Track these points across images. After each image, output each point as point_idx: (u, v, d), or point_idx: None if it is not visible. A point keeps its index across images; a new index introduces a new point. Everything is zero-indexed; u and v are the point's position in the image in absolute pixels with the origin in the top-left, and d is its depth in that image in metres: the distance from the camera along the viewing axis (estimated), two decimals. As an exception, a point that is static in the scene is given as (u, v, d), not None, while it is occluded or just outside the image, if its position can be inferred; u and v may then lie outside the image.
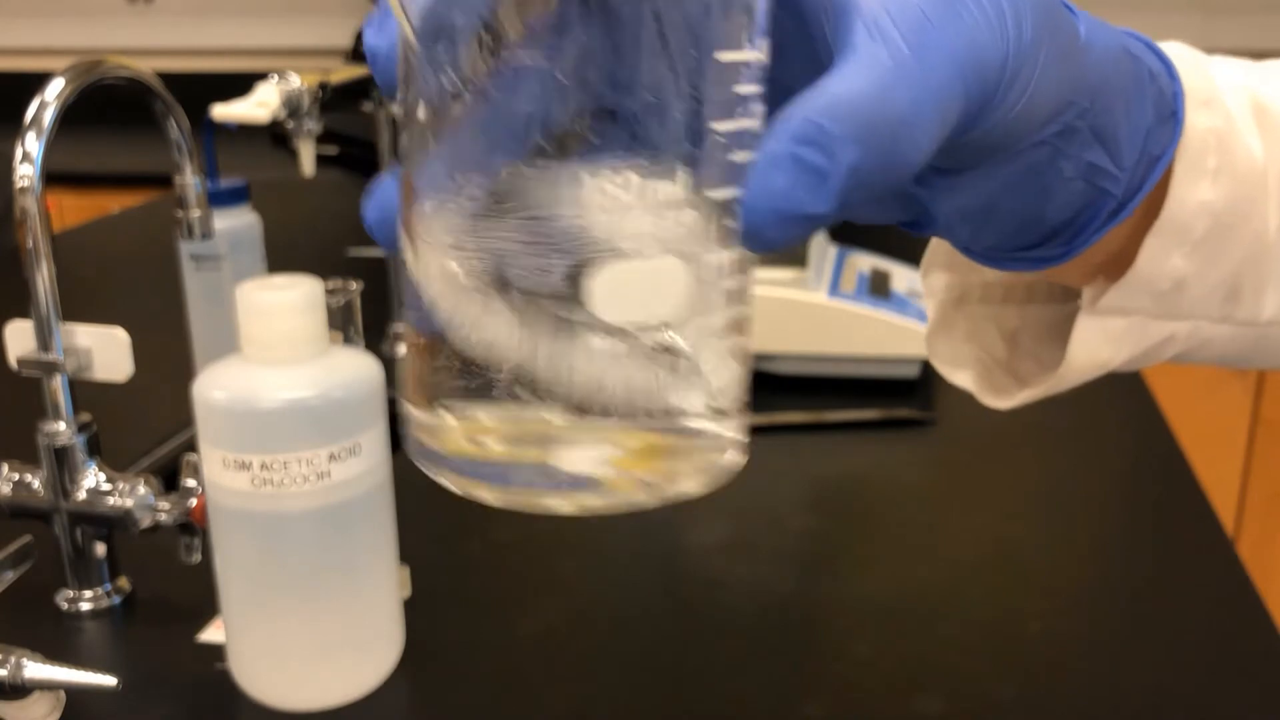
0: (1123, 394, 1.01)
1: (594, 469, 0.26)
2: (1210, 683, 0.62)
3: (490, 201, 0.25)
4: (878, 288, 1.01)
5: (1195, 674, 0.63)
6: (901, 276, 1.05)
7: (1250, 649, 0.65)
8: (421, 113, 0.26)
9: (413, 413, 0.28)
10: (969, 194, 0.31)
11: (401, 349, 0.28)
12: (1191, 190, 0.34)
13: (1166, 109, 0.33)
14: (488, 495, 0.26)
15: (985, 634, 0.66)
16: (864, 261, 1.08)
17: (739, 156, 0.25)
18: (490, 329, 0.25)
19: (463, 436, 0.27)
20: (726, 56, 0.25)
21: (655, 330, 0.25)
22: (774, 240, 0.25)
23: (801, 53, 0.28)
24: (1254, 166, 0.35)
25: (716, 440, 0.27)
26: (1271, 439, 1.94)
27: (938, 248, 0.44)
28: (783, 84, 0.27)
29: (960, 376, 0.44)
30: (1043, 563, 0.75)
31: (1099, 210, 0.33)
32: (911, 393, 0.98)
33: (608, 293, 0.25)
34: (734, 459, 0.28)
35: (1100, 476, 0.89)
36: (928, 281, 0.45)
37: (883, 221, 0.34)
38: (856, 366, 0.99)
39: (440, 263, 0.26)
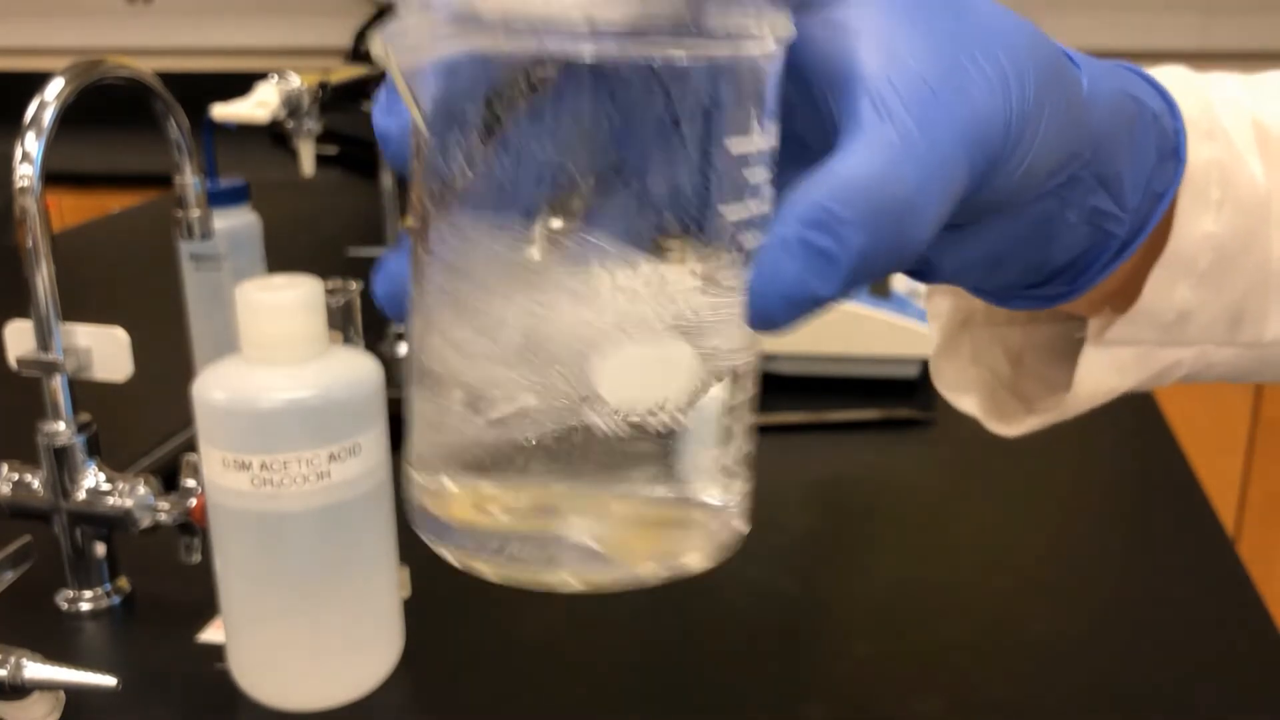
0: (1123, 395, 1.00)
1: (599, 545, 0.26)
2: (1210, 683, 0.62)
3: (498, 284, 0.25)
4: (878, 288, 1.01)
5: (1195, 674, 0.63)
6: (901, 277, 1.05)
7: (1251, 649, 0.65)
8: (430, 194, 0.26)
9: (416, 479, 0.28)
10: (973, 247, 0.31)
11: (407, 412, 0.28)
12: (1195, 223, 0.34)
13: (1168, 148, 0.33)
14: (488, 570, 0.27)
15: (985, 634, 0.66)
16: (864, 261, 1.08)
17: (749, 240, 0.26)
18: (498, 407, 0.25)
19: (466, 505, 0.27)
20: (736, 145, 0.25)
21: (662, 415, 0.25)
22: (780, 322, 0.25)
23: (807, 118, 0.28)
24: (1257, 194, 0.35)
25: (720, 514, 0.28)
26: (1272, 439, 1.94)
27: None
28: (789, 148, 0.27)
29: (966, 402, 0.44)
30: (1043, 563, 0.75)
31: (1103, 250, 0.33)
32: (911, 393, 0.98)
33: (615, 379, 0.25)
34: (738, 529, 0.28)
35: (1101, 476, 0.89)
36: (931, 305, 0.45)
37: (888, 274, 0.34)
38: (856, 366, 0.99)
39: (445, 340, 0.26)
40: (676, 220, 0.25)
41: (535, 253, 0.25)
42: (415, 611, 0.63)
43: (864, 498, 0.85)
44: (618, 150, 0.24)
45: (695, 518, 0.27)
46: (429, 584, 0.67)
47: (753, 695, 0.60)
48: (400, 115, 0.27)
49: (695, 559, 0.27)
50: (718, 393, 0.26)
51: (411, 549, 0.64)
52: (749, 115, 0.25)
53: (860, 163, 0.25)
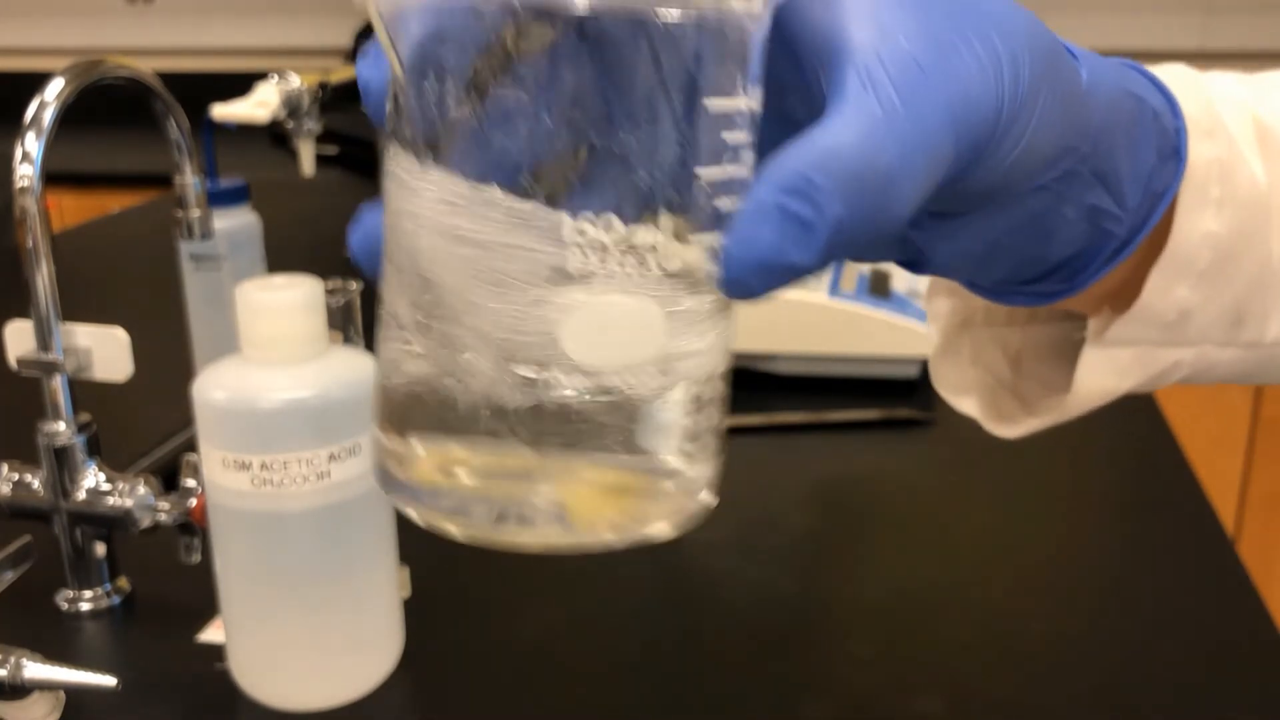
0: (1123, 395, 1.00)
1: (563, 507, 0.26)
2: (1211, 682, 0.62)
3: (471, 239, 0.25)
4: (878, 288, 1.01)
5: (1195, 674, 0.63)
6: (901, 276, 1.05)
7: (1250, 648, 0.65)
8: (404, 147, 0.25)
9: (382, 440, 0.27)
10: (966, 237, 0.31)
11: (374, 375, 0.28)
12: (1196, 222, 0.34)
13: (1169, 147, 0.33)
14: (453, 529, 0.26)
15: (985, 634, 0.66)
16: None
17: (725, 204, 0.25)
18: (465, 365, 0.25)
19: (433, 467, 0.26)
20: (717, 104, 0.25)
21: (631, 373, 0.25)
22: (755, 290, 0.25)
23: (796, 93, 0.28)
24: (1257, 193, 0.35)
25: (688, 482, 0.27)
26: (1272, 438, 1.94)
27: None
28: (778, 123, 0.27)
29: (965, 404, 0.44)
30: (1043, 563, 0.75)
31: (1102, 249, 0.33)
32: (911, 393, 0.98)
33: (584, 336, 0.24)
34: (705, 501, 0.28)
35: (1100, 476, 0.89)
36: (931, 307, 0.44)
37: (881, 261, 0.34)
38: (856, 366, 0.99)
39: (414, 297, 0.26)
40: (652, 179, 0.24)
41: (505, 210, 0.24)
42: (415, 611, 0.63)
43: (864, 498, 0.85)
44: (593, 101, 0.24)
45: (661, 487, 0.27)
46: (429, 584, 0.67)
47: (753, 695, 0.60)
48: (384, 67, 0.27)
49: (659, 528, 0.27)
50: (688, 358, 0.26)
51: (411, 549, 0.64)
52: (732, 76, 0.25)
53: (842, 133, 0.24)
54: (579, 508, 0.26)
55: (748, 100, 0.25)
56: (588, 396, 0.25)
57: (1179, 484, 0.84)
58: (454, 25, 0.24)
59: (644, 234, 0.24)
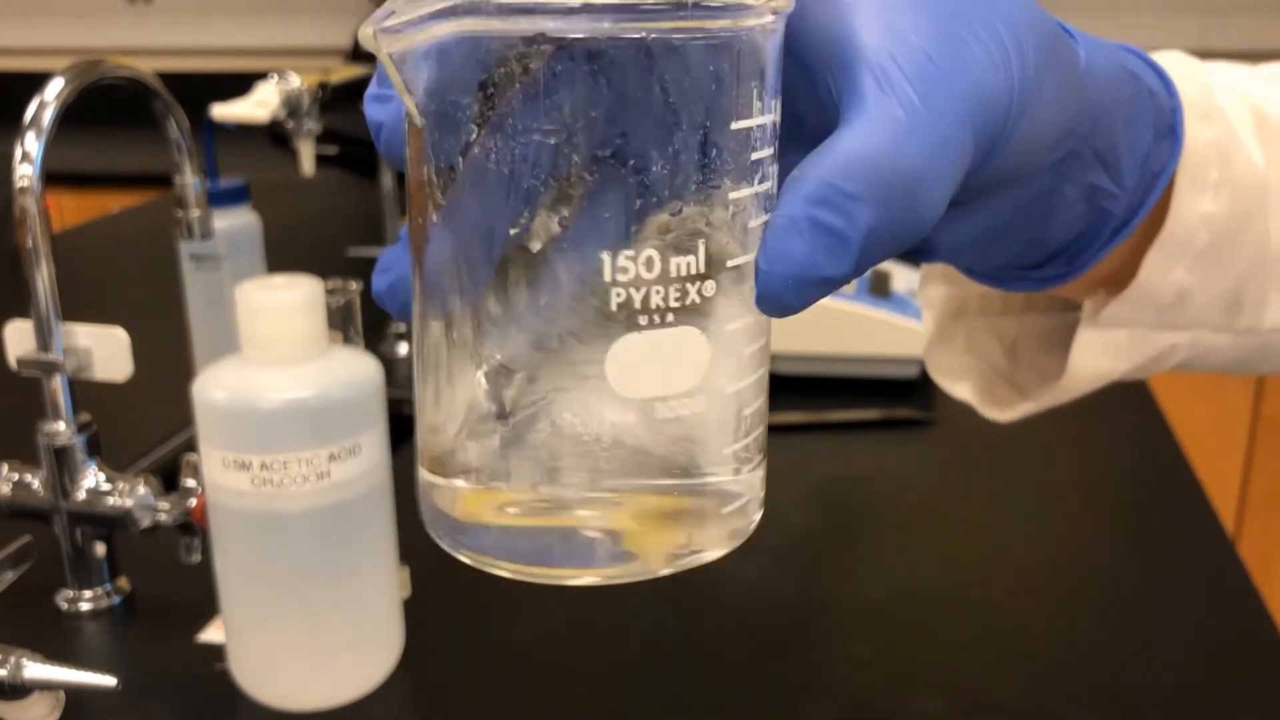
0: (1123, 394, 1.00)
1: (618, 540, 0.26)
2: (1211, 682, 0.62)
3: (504, 277, 0.24)
4: (878, 288, 1.01)
5: (1195, 674, 0.63)
6: (901, 276, 1.05)
7: (1251, 648, 0.65)
8: (427, 183, 0.25)
9: (429, 480, 0.27)
10: (971, 225, 0.31)
11: (416, 415, 0.28)
12: (1193, 203, 0.34)
13: (1165, 126, 0.33)
14: (505, 570, 0.26)
15: (985, 634, 0.66)
16: (864, 261, 1.08)
17: (755, 222, 0.25)
18: (506, 400, 0.25)
19: (481, 506, 0.26)
20: (740, 125, 0.24)
21: (673, 403, 0.25)
22: (790, 304, 0.24)
23: (805, 98, 0.27)
24: (1255, 176, 0.35)
25: (740, 501, 0.27)
26: (1272, 438, 1.94)
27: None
28: (787, 129, 0.27)
29: (960, 389, 0.44)
30: (1043, 563, 0.75)
31: (1101, 229, 0.33)
32: (911, 393, 0.98)
33: (626, 369, 0.24)
34: (753, 516, 0.28)
35: (1101, 476, 0.89)
36: (925, 293, 0.44)
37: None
38: (856, 366, 0.99)
39: (453, 337, 0.25)
40: (678, 202, 0.24)
41: (536, 241, 0.24)
42: (415, 611, 0.63)
43: (864, 498, 0.85)
44: (616, 131, 0.23)
45: (711, 507, 0.27)
46: (429, 584, 0.67)
47: (753, 695, 0.60)
48: (391, 104, 0.27)
49: (712, 548, 0.27)
50: (732, 380, 0.26)
51: (411, 549, 0.64)
52: (749, 91, 0.24)
53: (866, 138, 0.24)
54: (634, 539, 0.26)
55: (767, 113, 0.25)
56: (631, 426, 0.25)
57: (1179, 484, 0.84)
58: (466, 60, 0.23)
59: (681, 263, 0.24)
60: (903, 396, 0.97)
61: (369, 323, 0.67)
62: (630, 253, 0.24)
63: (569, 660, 0.63)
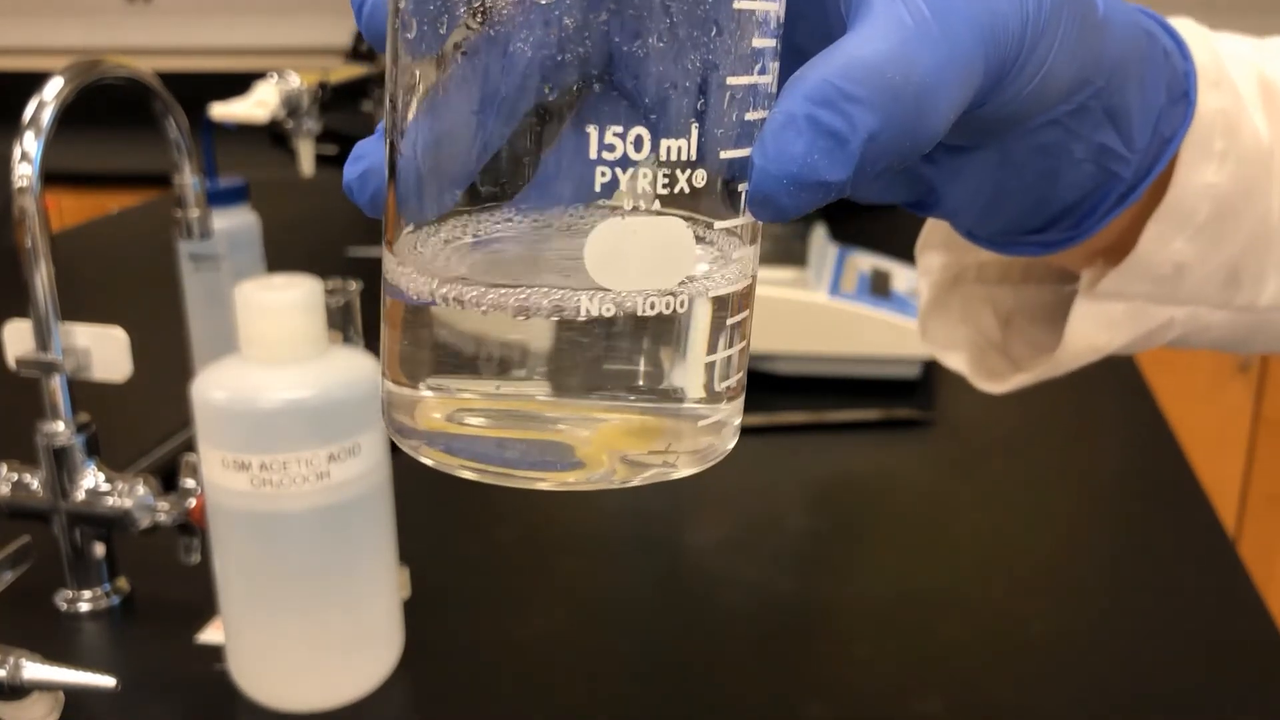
0: (1123, 394, 1.00)
1: (579, 446, 0.24)
2: (1211, 683, 0.62)
3: (484, 161, 0.23)
4: (878, 288, 1.01)
5: (1196, 674, 0.63)
6: (902, 276, 1.05)
7: (1251, 649, 0.64)
8: (409, 68, 0.24)
9: (392, 390, 0.26)
10: (978, 174, 0.31)
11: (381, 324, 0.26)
12: (1197, 173, 0.33)
13: (1179, 89, 0.33)
14: (468, 473, 0.25)
15: (985, 634, 0.66)
16: (865, 261, 1.08)
17: (753, 115, 0.24)
18: (478, 301, 0.24)
19: (444, 414, 0.25)
20: (742, 4, 0.23)
21: (653, 299, 0.23)
22: (785, 208, 0.23)
23: (808, 19, 0.27)
24: (1260, 149, 0.35)
25: (709, 422, 0.26)
26: (1273, 439, 1.94)
27: (934, 227, 0.43)
28: (788, 54, 0.26)
29: (953, 359, 0.44)
30: (1043, 563, 0.75)
31: (1108, 193, 0.32)
32: (911, 393, 0.98)
33: (606, 256, 0.23)
34: (725, 442, 0.26)
35: (1101, 477, 0.89)
36: (923, 261, 0.43)
37: (889, 201, 0.33)
38: (856, 366, 0.99)
39: (425, 231, 0.24)
40: (681, 88, 0.23)
41: (521, 134, 0.23)
42: (415, 611, 0.63)
43: (864, 498, 0.85)
44: (619, 7, 0.22)
45: (685, 420, 0.25)
46: (429, 584, 0.67)
47: (753, 695, 0.60)
48: None
49: (679, 466, 0.25)
50: (715, 285, 0.24)
51: (411, 549, 0.64)
52: None
53: (872, 43, 0.23)
54: (595, 447, 0.24)
55: (776, 3, 0.24)
56: (610, 323, 0.23)
57: (1179, 484, 0.84)
58: None
59: (673, 145, 0.23)
60: (903, 396, 0.97)
61: (369, 323, 0.67)
62: (618, 129, 0.23)
63: (569, 660, 0.63)
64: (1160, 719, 0.59)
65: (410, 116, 0.24)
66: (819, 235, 1.12)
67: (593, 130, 0.22)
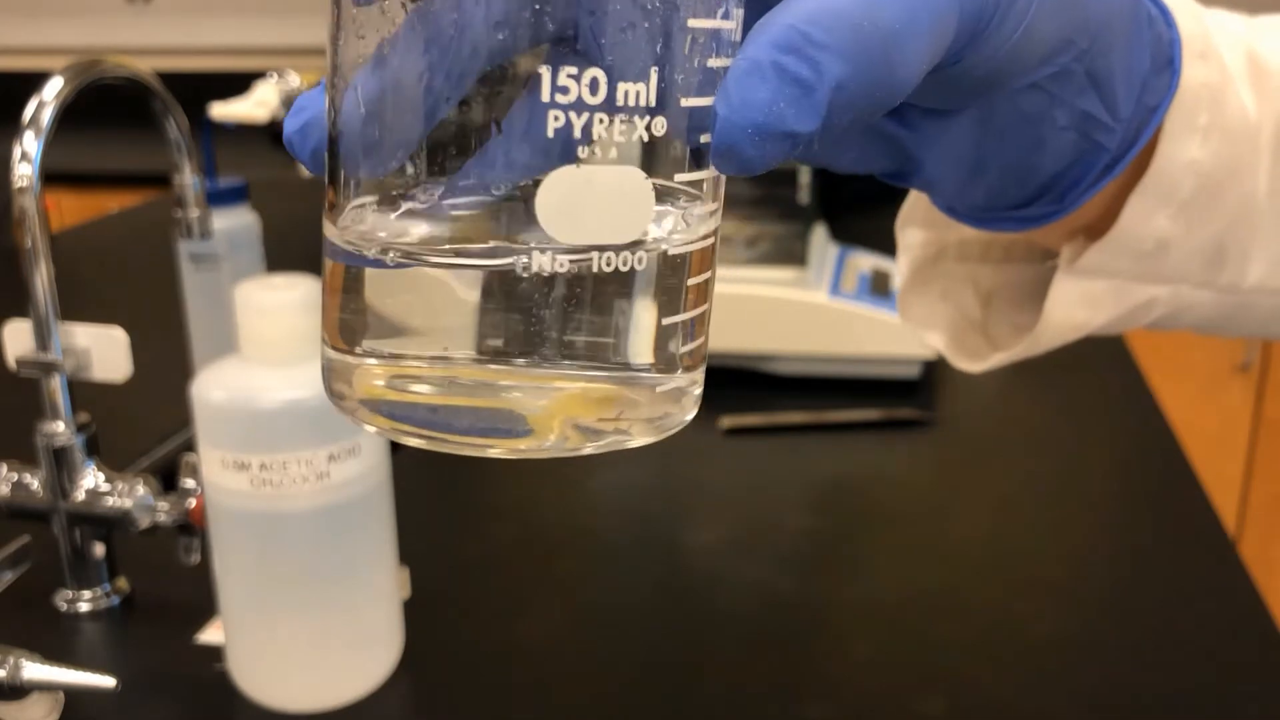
0: (1124, 394, 1.00)
1: (529, 414, 0.23)
2: (1212, 683, 0.62)
3: (429, 105, 0.22)
4: (878, 287, 1.01)
5: (1196, 675, 0.63)
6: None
7: (1252, 650, 0.64)
8: (353, 16, 0.23)
9: (332, 356, 0.25)
10: (959, 141, 0.30)
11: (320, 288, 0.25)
12: (1180, 148, 0.33)
13: (1163, 57, 0.32)
14: (414, 439, 0.24)
15: (985, 634, 0.66)
16: (865, 261, 1.08)
17: (715, 62, 0.23)
18: (422, 261, 0.23)
19: (386, 381, 0.24)
20: None
21: (609, 255, 0.22)
22: (750, 159, 0.22)
23: None
24: (1246, 125, 0.34)
25: (666, 389, 0.24)
26: (1273, 439, 1.94)
27: (915, 202, 0.42)
28: (752, 6, 0.25)
29: (932, 337, 0.43)
30: (1043, 563, 0.75)
31: (1092, 165, 0.32)
32: (912, 393, 0.98)
33: (559, 206, 0.22)
34: (684, 412, 0.25)
35: (1101, 477, 0.89)
36: (903, 237, 0.43)
37: (866, 169, 0.32)
38: (857, 366, 0.99)
39: (367, 189, 0.23)
40: (640, 30, 0.22)
41: (472, 86, 0.22)
42: (415, 611, 0.63)
43: (864, 498, 0.85)
44: None
45: (642, 386, 0.24)
46: (429, 584, 0.67)
47: (753, 695, 0.60)
48: None
49: (634, 434, 0.24)
50: (675, 243, 0.23)
51: (411, 549, 0.63)
52: None
53: None
54: (546, 414, 0.23)
55: None
56: (562, 281, 0.22)
57: (1180, 485, 0.84)
58: None
59: (631, 90, 0.22)
60: (903, 396, 0.97)
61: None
62: (572, 70, 0.21)
63: (569, 660, 0.63)
64: (1160, 718, 0.59)
65: (353, 69, 0.23)
66: (819, 235, 1.12)
67: (545, 71, 0.21)
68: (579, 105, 0.21)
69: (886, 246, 1.12)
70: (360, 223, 0.23)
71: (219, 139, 0.96)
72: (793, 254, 1.04)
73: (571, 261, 0.22)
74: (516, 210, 0.22)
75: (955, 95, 0.28)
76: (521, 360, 0.23)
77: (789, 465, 0.87)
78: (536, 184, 0.22)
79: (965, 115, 0.30)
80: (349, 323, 0.24)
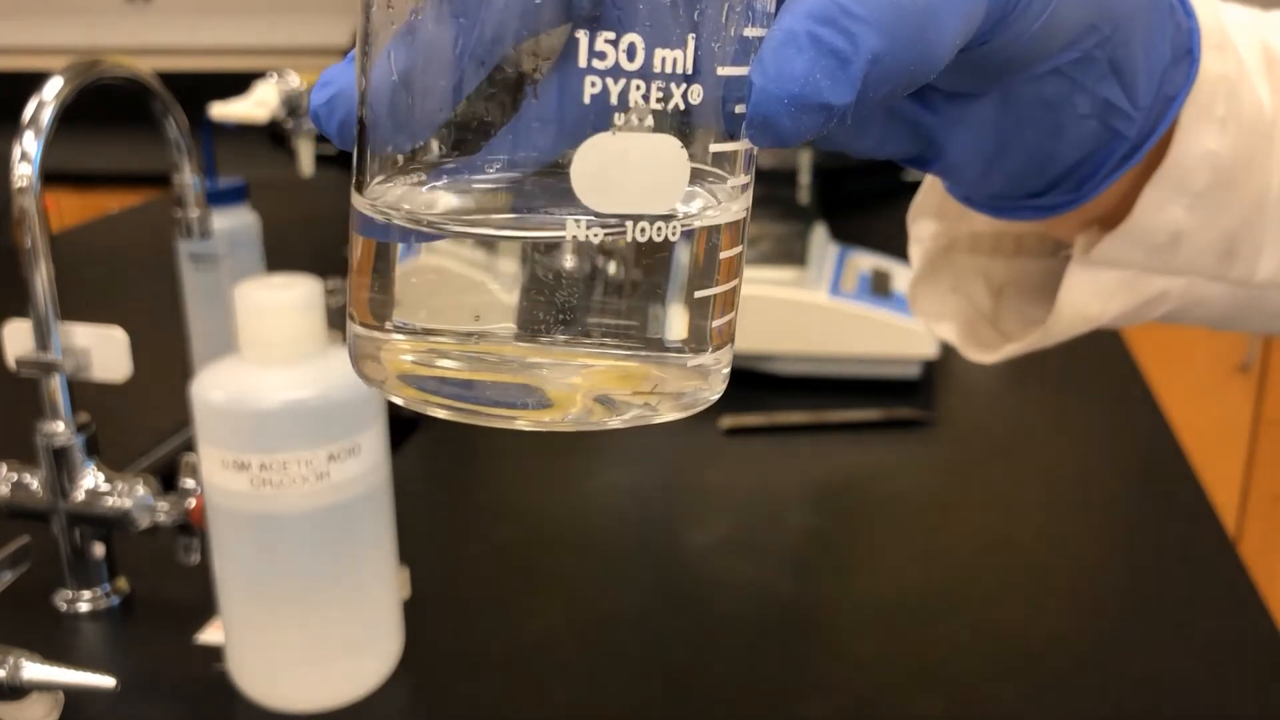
0: (1124, 393, 1.00)
1: (557, 388, 0.23)
2: (1212, 683, 0.62)
3: (462, 73, 0.22)
4: (879, 287, 1.01)
5: (1196, 675, 0.63)
6: (903, 276, 1.05)
7: (1252, 650, 0.64)
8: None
9: (359, 332, 0.25)
10: (980, 125, 0.30)
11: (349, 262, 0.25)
12: (1196, 138, 0.33)
13: (1183, 47, 0.32)
14: (440, 410, 0.24)
15: (985, 634, 0.66)
16: (865, 261, 1.08)
17: (751, 32, 0.22)
18: (453, 234, 0.23)
19: (415, 357, 0.24)
20: None
21: (643, 224, 0.22)
22: (785, 131, 0.22)
23: None
24: (1262, 117, 0.34)
25: (696, 363, 0.24)
26: (1274, 439, 1.94)
27: (928, 194, 0.42)
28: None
29: (943, 329, 0.43)
30: (1043, 563, 0.75)
31: (1111, 154, 0.32)
32: (912, 393, 0.98)
33: (594, 175, 0.22)
34: (712, 390, 0.25)
35: (1101, 477, 0.89)
36: (915, 229, 0.43)
37: (886, 153, 0.32)
38: (857, 366, 0.99)
39: (396, 157, 0.23)
40: None
41: (506, 58, 0.22)
42: (415, 611, 0.63)
43: (864, 498, 0.85)
44: None
45: (671, 362, 0.24)
46: (429, 584, 0.67)
47: (753, 695, 0.60)
48: None
49: (660, 410, 0.24)
50: (708, 215, 0.23)
51: (411, 549, 0.64)
52: None
53: None
54: (573, 389, 0.23)
55: None
56: (595, 251, 0.22)
57: (1180, 484, 0.84)
58: None
59: (668, 57, 0.22)
60: (903, 396, 0.97)
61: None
62: (610, 35, 0.21)
63: (569, 660, 0.63)
64: (1160, 718, 0.59)
65: (385, 41, 0.23)
66: (819, 235, 1.12)
67: (583, 36, 0.21)
68: (615, 71, 0.21)
69: (886, 246, 1.12)
70: (390, 195, 0.23)
71: (219, 139, 0.96)
72: (793, 254, 1.04)
73: (606, 232, 0.22)
74: (550, 180, 0.22)
75: (980, 77, 0.28)
76: (554, 334, 0.23)
77: (789, 465, 0.87)
78: (570, 154, 0.22)
79: (987, 100, 0.30)
80: (378, 298, 0.24)
